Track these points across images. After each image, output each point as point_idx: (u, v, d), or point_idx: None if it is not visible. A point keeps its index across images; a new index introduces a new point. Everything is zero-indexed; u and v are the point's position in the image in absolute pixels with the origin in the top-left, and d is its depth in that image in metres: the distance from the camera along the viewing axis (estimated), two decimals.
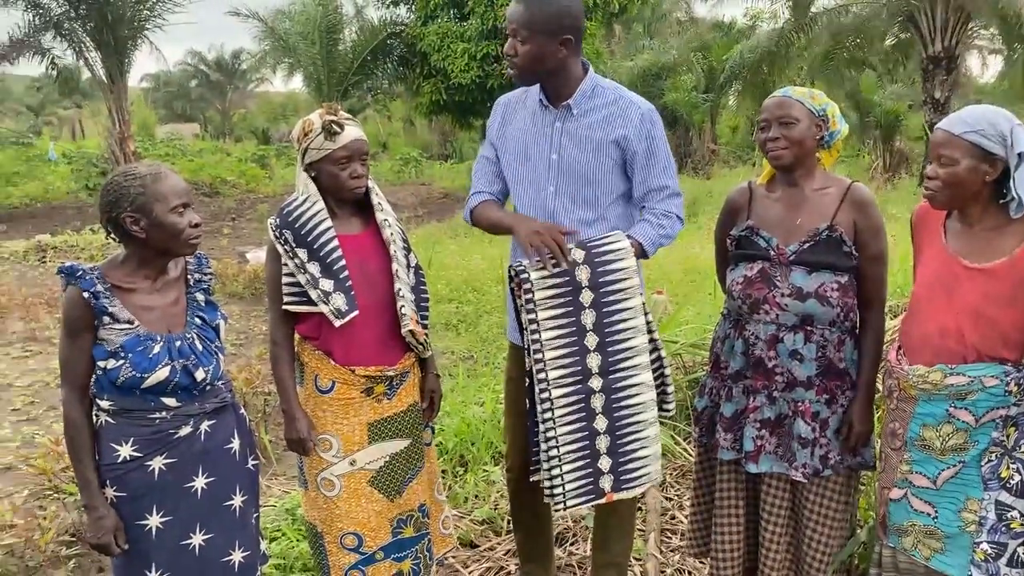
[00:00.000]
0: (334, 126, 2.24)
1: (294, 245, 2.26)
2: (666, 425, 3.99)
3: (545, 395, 2.27)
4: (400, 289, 2.32)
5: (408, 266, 2.40)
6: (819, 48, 18.71)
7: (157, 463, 2.04)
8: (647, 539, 3.19)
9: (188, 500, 2.10)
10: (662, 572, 3.09)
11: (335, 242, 2.27)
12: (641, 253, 2.37)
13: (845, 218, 2.29)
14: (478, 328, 7.18)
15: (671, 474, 3.85)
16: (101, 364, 1.99)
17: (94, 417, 2.05)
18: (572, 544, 3.32)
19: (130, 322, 2.01)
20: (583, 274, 2.27)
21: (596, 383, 2.30)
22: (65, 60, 16.99)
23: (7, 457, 4.38)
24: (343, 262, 2.27)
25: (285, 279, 2.28)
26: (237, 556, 2.20)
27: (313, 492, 2.40)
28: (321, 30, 19.13)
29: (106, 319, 1.98)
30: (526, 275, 2.25)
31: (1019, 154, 1.97)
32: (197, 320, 2.14)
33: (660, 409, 2.42)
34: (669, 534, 3.38)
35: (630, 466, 2.37)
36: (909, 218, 2.33)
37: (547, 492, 2.34)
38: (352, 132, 2.28)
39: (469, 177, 2.92)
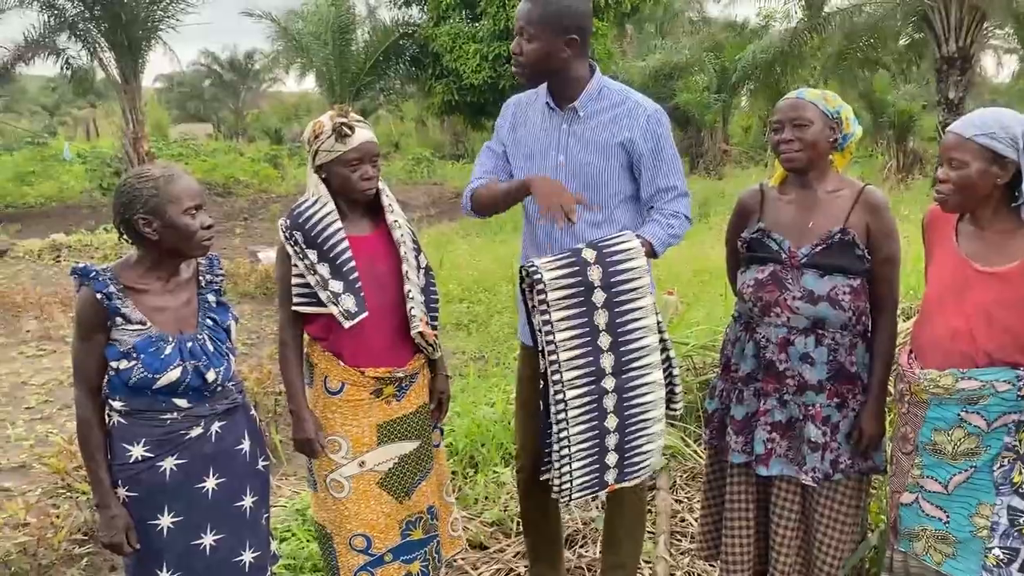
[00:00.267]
0: (345, 128, 2.24)
1: (304, 246, 2.27)
2: (676, 427, 3.98)
3: (560, 396, 2.27)
4: (410, 291, 2.32)
5: (418, 267, 2.40)
6: (832, 48, 18.61)
7: (169, 463, 2.06)
8: (657, 542, 3.18)
9: (199, 501, 2.11)
10: (672, 575, 3.08)
11: (345, 243, 2.27)
12: (651, 253, 2.37)
13: (858, 221, 2.28)
14: (489, 328, 7.17)
15: (681, 476, 3.84)
16: (113, 364, 2.00)
17: (107, 417, 2.06)
18: (582, 547, 3.31)
19: (142, 323, 2.02)
20: (595, 274, 2.26)
21: (609, 383, 2.30)
22: (80, 60, 17.05)
23: (21, 455, 4.42)
24: (353, 263, 2.27)
25: (295, 280, 2.29)
26: (248, 556, 2.21)
27: (322, 493, 2.40)
28: (334, 30, 19.21)
29: (119, 320, 2.00)
30: (539, 276, 2.24)
31: None
32: (209, 321, 2.15)
33: (668, 408, 2.42)
34: (679, 537, 3.37)
35: (635, 459, 2.39)
36: (921, 220, 2.32)
37: (555, 489, 2.34)
38: (363, 134, 2.28)
39: None
